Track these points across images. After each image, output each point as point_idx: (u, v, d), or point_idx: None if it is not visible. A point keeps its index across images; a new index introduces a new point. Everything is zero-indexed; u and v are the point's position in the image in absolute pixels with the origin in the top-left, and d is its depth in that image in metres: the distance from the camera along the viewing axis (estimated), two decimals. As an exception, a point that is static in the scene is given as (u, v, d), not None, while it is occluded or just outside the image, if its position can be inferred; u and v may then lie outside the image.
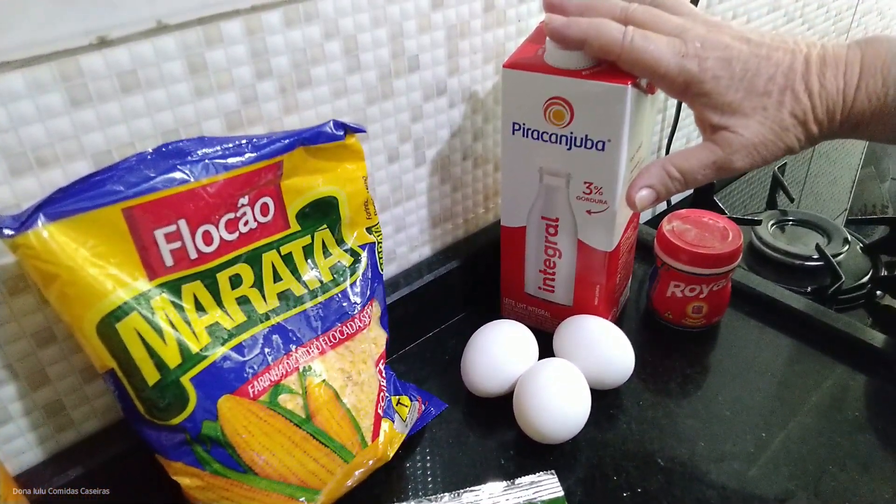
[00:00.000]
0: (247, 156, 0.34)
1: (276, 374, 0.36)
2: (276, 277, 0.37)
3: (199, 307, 0.34)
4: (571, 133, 0.43)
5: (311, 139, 0.37)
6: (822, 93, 0.35)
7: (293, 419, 0.36)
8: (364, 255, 0.42)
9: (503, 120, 0.45)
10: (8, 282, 0.34)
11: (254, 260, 0.36)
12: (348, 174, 0.40)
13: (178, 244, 0.33)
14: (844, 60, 0.35)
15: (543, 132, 0.44)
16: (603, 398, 0.48)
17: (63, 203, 0.29)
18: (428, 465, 0.44)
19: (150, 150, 0.32)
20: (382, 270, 0.44)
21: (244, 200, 0.35)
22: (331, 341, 0.39)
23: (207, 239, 0.34)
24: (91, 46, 0.33)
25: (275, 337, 0.36)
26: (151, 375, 0.32)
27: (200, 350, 0.33)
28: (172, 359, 0.32)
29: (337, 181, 0.39)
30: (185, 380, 0.32)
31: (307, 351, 0.37)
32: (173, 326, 0.32)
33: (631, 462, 0.44)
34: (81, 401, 0.39)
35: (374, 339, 0.41)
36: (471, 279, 0.56)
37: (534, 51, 0.43)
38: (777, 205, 0.75)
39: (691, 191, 0.77)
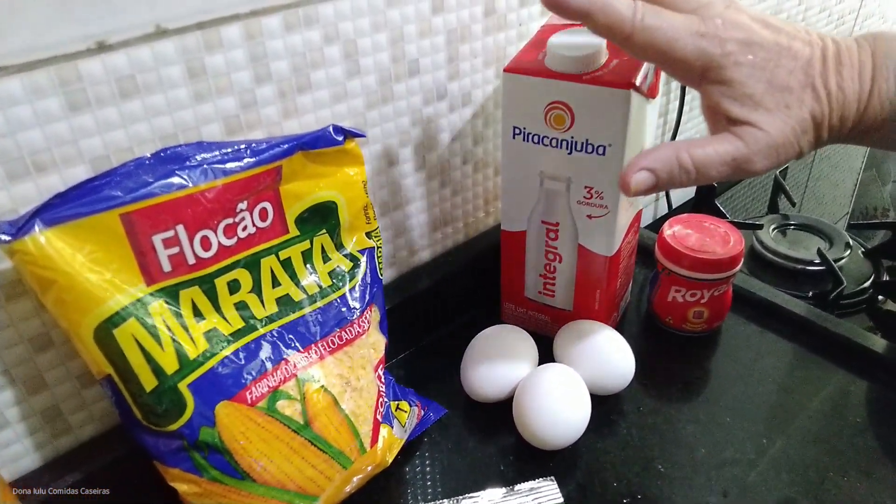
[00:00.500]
0: (246, 161, 0.34)
1: (275, 380, 0.36)
2: (275, 283, 0.37)
3: (197, 313, 0.34)
4: (572, 137, 0.43)
5: (311, 144, 0.37)
6: (840, 96, 0.32)
7: (291, 425, 0.36)
8: (363, 260, 0.42)
9: (503, 124, 0.45)
10: (5, 287, 0.34)
11: (252, 265, 0.36)
12: (348, 179, 0.39)
13: (176, 250, 0.32)
14: (858, 59, 0.32)
15: (544, 136, 0.44)
16: (603, 403, 0.47)
17: (60, 209, 0.29)
18: (427, 470, 0.44)
19: (149, 155, 0.32)
20: (382, 275, 0.44)
21: (243, 206, 0.35)
22: (329, 347, 0.39)
23: (206, 244, 0.34)
24: (90, 51, 0.33)
25: (273, 342, 0.36)
26: (149, 381, 0.32)
27: (198, 356, 0.33)
28: (170, 365, 0.32)
29: (336, 186, 0.39)
30: (183, 386, 0.32)
31: (306, 356, 0.37)
32: (171, 332, 0.32)
33: (631, 468, 0.43)
34: (79, 406, 0.39)
35: (373, 344, 0.41)
36: (471, 283, 0.56)
37: (535, 55, 0.43)
38: (779, 209, 0.75)
39: (693, 193, 0.77)
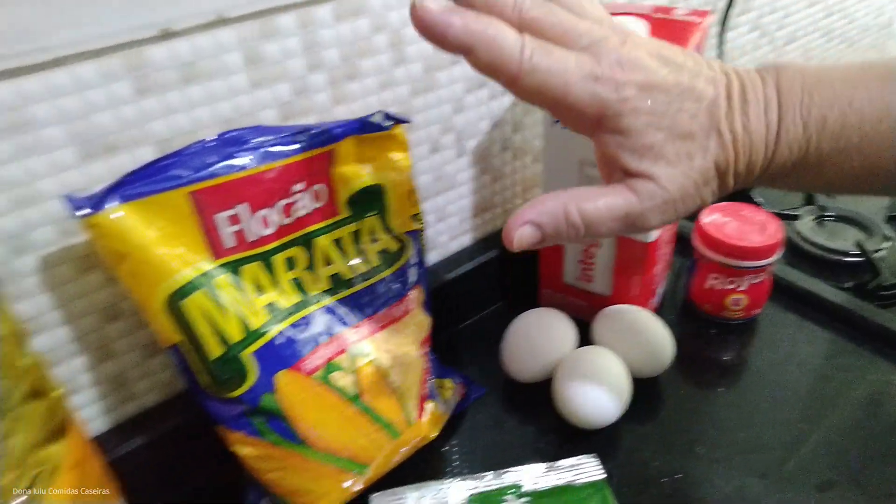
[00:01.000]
0: (301, 144, 0.36)
1: (329, 352, 0.37)
2: (328, 261, 0.39)
3: (258, 287, 0.35)
4: (613, 124, 0.43)
5: (361, 129, 0.38)
6: (746, 139, 0.29)
7: (344, 395, 0.37)
8: (409, 242, 0.43)
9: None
10: (77, 260, 0.36)
11: (307, 244, 0.37)
12: (394, 164, 0.41)
13: (238, 227, 0.34)
14: (763, 94, 0.29)
15: (585, 123, 0.44)
16: (641, 387, 0.48)
17: (133, 186, 0.31)
18: (468, 446, 0.45)
19: (212, 138, 0.34)
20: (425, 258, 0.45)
21: (299, 186, 0.36)
22: (378, 323, 0.40)
23: (265, 223, 0.35)
24: (155, 38, 0.34)
25: (327, 317, 0.38)
26: (215, 350, 0.33)
27: (260, 327, 0.35)
28: (234, 335, 0.34)
29: (384, 170, 0.40)
30: (246, 355, 0.34)
31: (356, 331, 0.39)
32: (235, 304, 0.34)
33: (669, 449, 0.44)
34: (143, 374, 0.41)
35: (419, 322, 0.43)
36: (510, 268, 0.57)
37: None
38: (815, 200, 0.74)
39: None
